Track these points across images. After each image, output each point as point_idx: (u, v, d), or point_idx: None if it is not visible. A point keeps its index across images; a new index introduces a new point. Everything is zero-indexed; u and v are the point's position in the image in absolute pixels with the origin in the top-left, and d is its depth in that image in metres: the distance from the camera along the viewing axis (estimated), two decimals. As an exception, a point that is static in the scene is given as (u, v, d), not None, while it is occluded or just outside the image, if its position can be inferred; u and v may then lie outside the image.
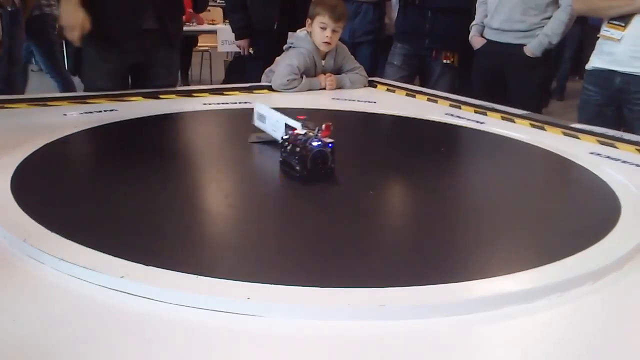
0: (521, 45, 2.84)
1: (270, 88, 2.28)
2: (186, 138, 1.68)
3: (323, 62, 2.36)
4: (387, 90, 2.44)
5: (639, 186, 1.24)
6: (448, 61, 3.11)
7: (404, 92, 2.39)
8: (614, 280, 0.87)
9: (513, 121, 1.88)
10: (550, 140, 1.65)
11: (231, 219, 1.08)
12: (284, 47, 2.40)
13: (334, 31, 2.30)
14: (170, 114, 1.83)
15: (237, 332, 0.70)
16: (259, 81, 2.41)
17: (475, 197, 1.26)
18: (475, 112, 2.00)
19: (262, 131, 1.49)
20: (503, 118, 1.93)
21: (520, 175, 1.42)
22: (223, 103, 2.01)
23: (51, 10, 4.04)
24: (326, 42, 2.30)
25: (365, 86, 2.46)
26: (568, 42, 5.53)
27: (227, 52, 5.94)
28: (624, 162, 1.46)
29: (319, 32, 2.29)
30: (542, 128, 1.80)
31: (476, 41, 3.04)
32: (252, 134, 1.50)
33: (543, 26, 2.81)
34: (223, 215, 1.09)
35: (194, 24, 5.89)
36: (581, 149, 1.57)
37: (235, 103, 2.01)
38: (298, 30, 2.38)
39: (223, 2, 5.56)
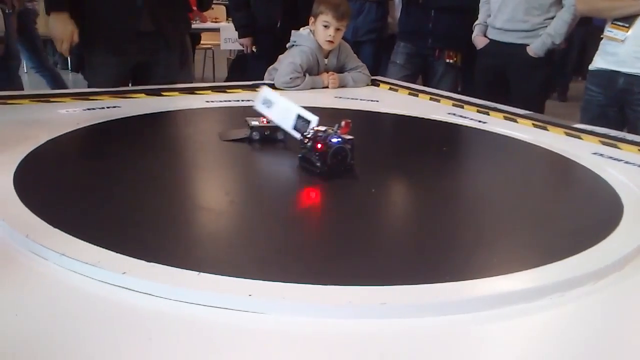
0: (524, 45, 2.84)
1: (273, 86, 2.28)
2: (188, 135, 1.68)
3: (326, 60, 2.36)
4: (390, 89, 2.44)
5: (641, 187, 1.24)
6: (451, 61, 3.11)
7: (407, 91, 2.39)
8: (615, 281, 0.87)
9: (515, 121, 1.88)
10: (553, 140, 1.65)
11: (233, 216, 1.08)
12: (287, 46, 2.40)
13: (337, 30, 2.30)
14: (173, 111, 1.83)
15: (238, 329, 0.70)
16: (262, 79, 2.41)
17: (476, 196, 1.26)
18: (478, 111, 2.00)
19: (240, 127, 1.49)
20: (505, 118, 1.92)
21: (522, 175, 1.42)
22: (226, 101, 2.02)
23: (33, 6, 4.17)
24: (329, 41, 2.30)
25: (368, 85, 2.46)
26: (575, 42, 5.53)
27: (230, 50, 5.95)
28: (626, 162, 1.46)
29: (322, 31, 2.29)
30: (544, 128, 1.80)
31: (479, 41, 3.03)
32: (228, 130, 1.51)
33: (546, 26, 2.80)
34: (225, 212, 1.09)
35: (197, 21, 5.89)
36: (584, 150, 1.56)
37: (238, 101, 2.01)
38: (301, 29, 2.38)
39: (226, 0, 5.56)
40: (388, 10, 3.63)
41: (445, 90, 2.52)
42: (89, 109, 1.77)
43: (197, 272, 0.78)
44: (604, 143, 1.65)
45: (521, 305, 0.78)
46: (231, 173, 1.38)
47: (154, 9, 2.21)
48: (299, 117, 1.34)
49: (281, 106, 1.43)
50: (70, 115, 1.71)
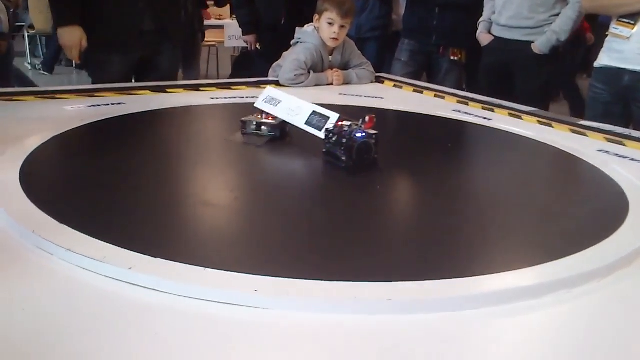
0: (529, 42, 2.83)
1: (277, 83, 2.28)
2: (193, 132, 1.68)
3: (330, 57, 2.36)
4: (395, 86, 2.43)
5: (647, 184, 1.24)
6: (455, 58, 3.10)
7: (412, 88, 2.38)
8: (622, 278, 0.86)
9: (520, 118, 1.88)
10: (558, 137, 1.64)
11: (238, 212, 1.09)
12: (292, 43, 2.40)
13: (341, 27, 2.29)
14: (178, 108, 1.83)
15: (243, 324, 0.70)
16: (266, 76, 2.41)
17: (482, 193, 1.26)
18: (483, 108, 2.00)
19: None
20: (510, 115, 1.92)
21: (527, 172, 1.42)
22: (230, 97, 2.02)
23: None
24: (334, 38, 2.30)
25: (372, 82, 2.45)
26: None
27: (234, 47, 5.94)
28: (632, 159, 1.46)
29: (326, 28, 2.29)
30: (549, 125, 1.80)
31: (484, 38, 3.03)
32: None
33: (551, 23, 2.79)
34: (230, 208, 1.09)
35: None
36: (589, 147, 1.56)
37: (243, 98, 2.01)
38: (305, 26, 2.38)
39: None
40: (392, 7, 3.62)
41: (450, 88, 2.51)
42: (93, 106, 1.77)
43: (203, 268, 0.78)
44: (609, 140, 1.64)
45: (528, 302, 0.78)
46: (236, 169, 1.38)
47: (157, 9, 2.27)
48: (315, 113, 1.35)
49: (291, 104, 1.43)
50: (75, 112, 1.71)
